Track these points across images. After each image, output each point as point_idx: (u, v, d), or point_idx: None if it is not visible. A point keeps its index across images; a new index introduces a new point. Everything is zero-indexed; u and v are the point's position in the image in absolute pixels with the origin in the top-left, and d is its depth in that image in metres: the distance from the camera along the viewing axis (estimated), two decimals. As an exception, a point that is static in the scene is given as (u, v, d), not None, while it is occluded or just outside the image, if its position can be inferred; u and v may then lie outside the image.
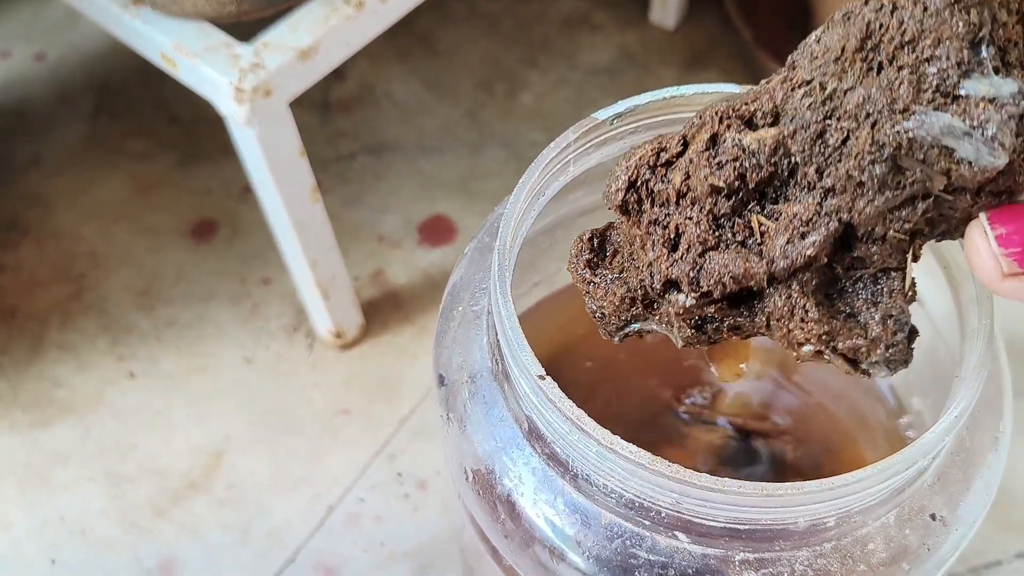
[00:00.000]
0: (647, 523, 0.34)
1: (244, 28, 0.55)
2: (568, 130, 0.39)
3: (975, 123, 0.25)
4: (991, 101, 0.25)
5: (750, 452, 0.49)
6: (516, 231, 0.37)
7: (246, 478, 0.66)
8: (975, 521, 0.36)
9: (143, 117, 0.85)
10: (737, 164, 0.30)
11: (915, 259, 0.29)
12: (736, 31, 0.82)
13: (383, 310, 0.73)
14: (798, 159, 0.29)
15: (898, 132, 0.26)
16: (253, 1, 0.54)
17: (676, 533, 0.33)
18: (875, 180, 0.27)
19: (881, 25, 0.27)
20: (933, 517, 0.35)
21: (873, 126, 0.27)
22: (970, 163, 0.25)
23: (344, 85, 0.86)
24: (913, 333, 0.30)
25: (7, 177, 0.81)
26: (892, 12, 0.27)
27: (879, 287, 0.30)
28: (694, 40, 0.89)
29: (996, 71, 0.25)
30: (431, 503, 0.64)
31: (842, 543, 0.33)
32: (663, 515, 0.33)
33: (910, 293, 0.30)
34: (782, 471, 0.49)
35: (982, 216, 0.26)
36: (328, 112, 0.84)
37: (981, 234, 0.25)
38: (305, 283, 0.65)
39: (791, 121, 0.29)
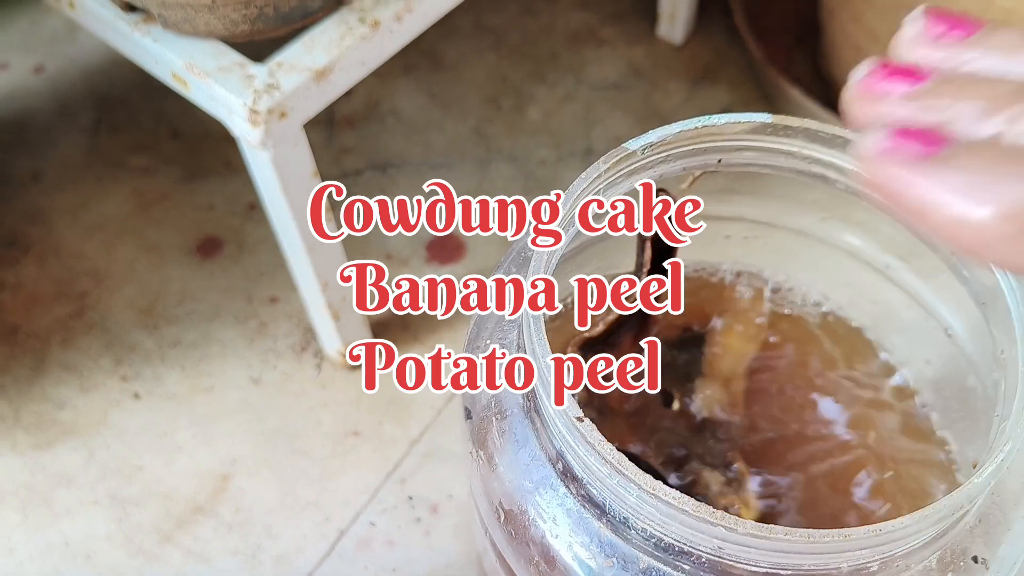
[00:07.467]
0: (687, 567, 0.33)
1: (256, 47, 0.54)
2: (599, 160, 0.38)
3: None
4: None
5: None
6: (548, 263, 0.36)
7: (254, 501, 0.65)
8: (1016, 562, 0.35)
9: (144, 131, 0.84)
10: None
11: None
12: (744, 46, 0.81)
13: (392, 329, 0.72)
14: None
15: None
16: (266, 20, 0.53)
17: (717, 578, 0.33)
18: None
19: None
20: (975, 559, 0.34)
21: None
22: None
23: (350, 101, 0.85)
24: None
25: (7, 193, 0.80)
26: None
27: None
28: (702, 55, 0.88)
29: None
30: (443, 527, 0.63)
31: (885, 588, 0.33)
32: (703, 560, 0.32)
33: None
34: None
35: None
36: (334, 129, 0.83)
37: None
38: (315, 304, 0.64)
39: None
